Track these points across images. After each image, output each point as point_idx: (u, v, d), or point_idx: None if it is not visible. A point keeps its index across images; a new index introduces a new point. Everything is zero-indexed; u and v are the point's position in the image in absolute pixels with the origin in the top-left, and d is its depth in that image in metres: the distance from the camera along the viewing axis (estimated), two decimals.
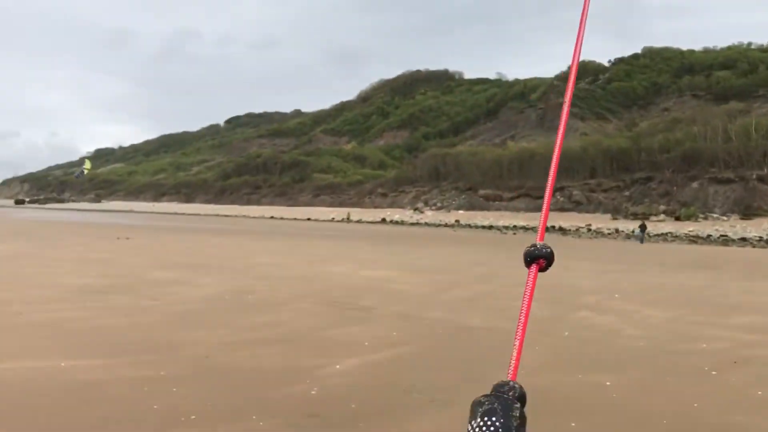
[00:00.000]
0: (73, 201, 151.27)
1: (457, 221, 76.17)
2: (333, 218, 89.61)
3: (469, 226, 71.17)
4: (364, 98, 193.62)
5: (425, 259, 21.64)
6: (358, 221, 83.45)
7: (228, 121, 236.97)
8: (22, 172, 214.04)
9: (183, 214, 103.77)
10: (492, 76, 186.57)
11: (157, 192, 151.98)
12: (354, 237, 39.68)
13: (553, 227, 66.44)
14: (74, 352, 7.00)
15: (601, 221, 70.90)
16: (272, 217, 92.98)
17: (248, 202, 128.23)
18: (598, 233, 60.04)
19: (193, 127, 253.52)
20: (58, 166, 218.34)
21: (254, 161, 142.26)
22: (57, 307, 9.73)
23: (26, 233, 30.68)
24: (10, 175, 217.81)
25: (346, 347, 7.62)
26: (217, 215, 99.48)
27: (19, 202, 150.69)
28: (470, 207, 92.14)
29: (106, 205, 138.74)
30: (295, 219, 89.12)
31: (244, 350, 7.36)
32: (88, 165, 64.04)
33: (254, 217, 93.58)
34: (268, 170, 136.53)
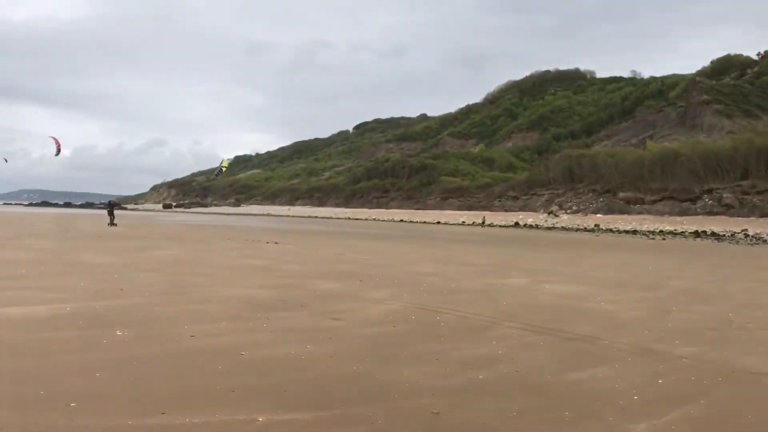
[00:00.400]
0: (215, 205, 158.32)
1: (597, 225, 71.71)
2: (463, 222, 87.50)
3: (611, 230, 66.66)
4: (491, 100, 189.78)
5: (600, 269, 19.10)
6: (490, 225, 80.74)
7: (356, 127, 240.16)
8: (169, 178, 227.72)
9: (316, 217, 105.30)
10: (625, 74, 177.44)
11: (292, 196, 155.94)
12: (497, 242, 37.39)
13: (704, 232, 60.94)
14: (268, 399, 5.42)
15: (759, 226, 64.14)
16: (402, 221, 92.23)
17: (377, 206, 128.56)
18: (759, 239, 54.01)
19: (324, 133, 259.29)
20: (201, 172, 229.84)
21: (382, 165, 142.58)
22: (231, 328, 8.35)
23: (178, 237, 30.81)
24: (158, 181, 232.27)
25: (615, 403, 5.59)
26: (349, 218, 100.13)
27: (166, 206, 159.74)
28: (609, 210, 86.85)
29: (245, 208, 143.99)
30: (425, 222, 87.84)
31: (480, 403, 5.50)
32: (225, 163, 65.92)
33: (384, 220, 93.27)
34: (396, 174, 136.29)
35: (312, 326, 8.66)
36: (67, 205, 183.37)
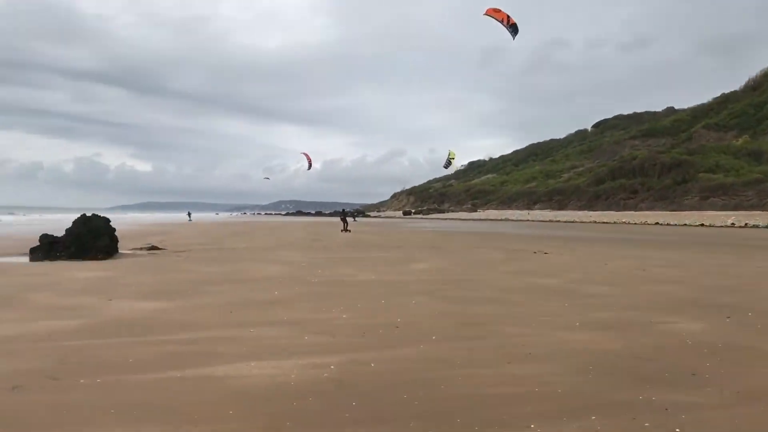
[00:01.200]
0: (452, 210, 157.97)
1: None
2: (732, 224, 75.67)
3: None
4: (754, 87, 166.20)
5: None
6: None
7: (596, 125, 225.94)
8: (407, 186, 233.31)
9: (558, 221, 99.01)
10: None
11: (529, 200, 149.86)
12: None
13: None
14: None
15: None
16: (657, 223, 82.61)
17: (624, 208, 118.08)
18: None
19: (560, 134, 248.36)
20: (436, 179, 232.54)
21: (629, 164, 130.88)
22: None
23: (433, 246, 28.01)
24: (398, 189, 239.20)
25: None
26: (594, 222, 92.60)
27: (406, 213, 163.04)
28: None
29: (481, 213, 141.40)
30: (684, 225, 77.55)
31: None
32: (452, 155, 63.21)
33: (636, 224, 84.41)
34: (645, 172, 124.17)
35: None
36: (318, 213, 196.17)
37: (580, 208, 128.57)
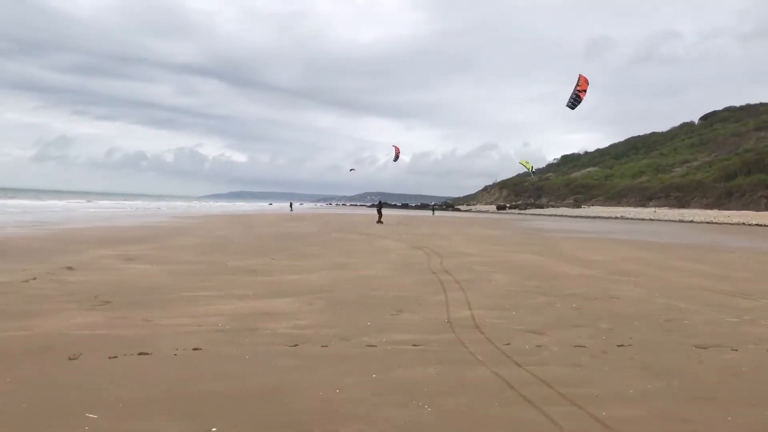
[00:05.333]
0: (551, 206, 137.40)
1: None
2: None
3: None
4: None
5: None
6: None
7: (703, 117, 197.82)
8: (497, 180, 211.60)
9: (692, 221, 78.04)
10: None
11: (642, 196, 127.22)
12: None
13: None
14: None
15: None
16: None
17: (766, 207, 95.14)
18: None
19: (661, 127, 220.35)
20: (527, 173, 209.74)
21: None
22: None
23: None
24: (487, 183, 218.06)
25: None
26: (743, 224, 71.56)
27: (500, 207, 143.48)
28: None
29: (587, 210, 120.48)
30: None
31: None
32: (529, 166, 46.86)
33: None
34: None
35: None
36: (404, 206, 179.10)
37: (706, 206, 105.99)
